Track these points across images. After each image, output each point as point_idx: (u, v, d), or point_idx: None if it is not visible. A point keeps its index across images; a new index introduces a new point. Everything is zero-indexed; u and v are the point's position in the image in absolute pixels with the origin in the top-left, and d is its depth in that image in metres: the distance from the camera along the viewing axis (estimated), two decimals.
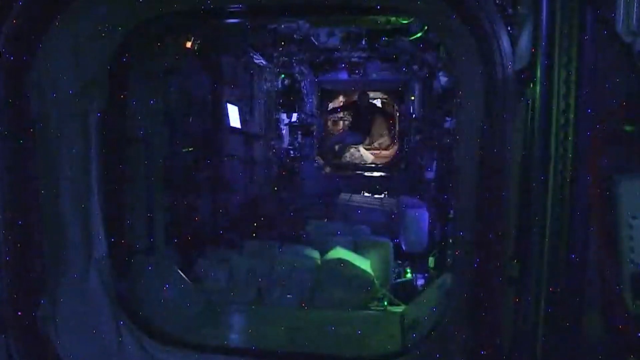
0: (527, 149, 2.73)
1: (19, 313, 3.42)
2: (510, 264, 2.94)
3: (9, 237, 3.29)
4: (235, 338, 4.98)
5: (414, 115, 11.21)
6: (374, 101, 16.73)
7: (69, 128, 3.78)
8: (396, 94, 14.32)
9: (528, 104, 2.67)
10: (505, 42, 2.91)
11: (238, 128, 9.13)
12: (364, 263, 6.15)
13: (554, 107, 2.48)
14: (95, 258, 4.04)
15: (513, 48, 2.87)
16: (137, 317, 4.35)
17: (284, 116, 11.96)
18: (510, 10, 2.87)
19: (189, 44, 6.45)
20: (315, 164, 12.99)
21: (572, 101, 2.46)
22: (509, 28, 2.88)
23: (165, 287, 5.15)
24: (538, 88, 2.55)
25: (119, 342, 4.10)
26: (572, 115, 2.47)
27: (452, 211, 5.96)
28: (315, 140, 13.08)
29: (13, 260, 3.31)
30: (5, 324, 3.32)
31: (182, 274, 5.55)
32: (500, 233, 3.08)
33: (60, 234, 3.82)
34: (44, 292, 3.63)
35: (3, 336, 3.32)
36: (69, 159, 3.79)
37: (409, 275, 6.85)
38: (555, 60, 2.45)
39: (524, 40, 2.74)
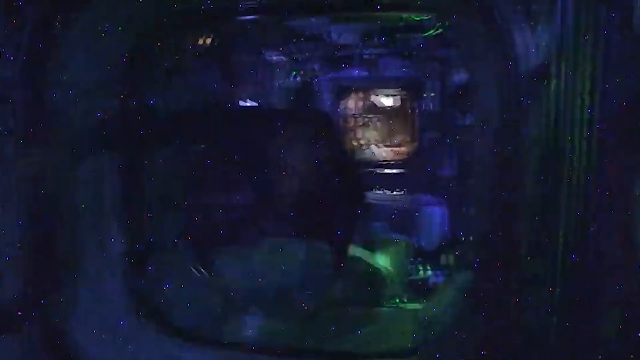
0: (545, 145, 2.70)
1: (37, 310, 3.44)
2: (526, 261, 2.91)
3: (28, 236, 3.31)
4: (251, 334, 4.98)
5: (430, 112, 11.12)
6: (391, 98, 16.60)
7: (86, 124, 3.80)
8: (412, 91, 14.21)
9: (546, 100, 2.64)
10: (522, 38, 2.88)
11: None
12: (381, 260, 6.13)
13: (573, 103, 2.44)
14: (112, 255, 4.06)
15: (531, 44, 2.84)
16: (154, 313, 4.37)
17: None
18: (528, 6, 2.83)
19: (204, 41, 6.45)
20: None
21: (590, 97, 2.43)
22: (526, 24, 2.85)
23: (182, 284, 5.16)
24: (556, 84, 2.52)
25: (136, 337, 4.13)
26: (591, 112, 2.43)
27: (469, 208, 5.92)
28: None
29: (31, 258, 3.33)
30: (23, 320, 3.35)
31: (199, 270, 5.56)
32: (517, 230, 3.05)
33: (78, 231, 3.84)
34: (62, 290, 3.65)
35: (21, 332, 3.34)
36: (87, 155, 3.81)
37: (425, 272, 6.81)
38: (574, 56, 2.42)
39: (543, 36, 2.71)
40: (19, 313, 3.28)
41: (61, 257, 3.66)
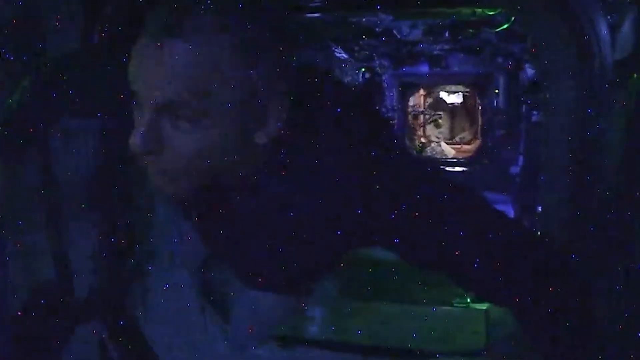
0: (628, 147, 2.57)
1: (111, 301, 3.56)
2: (599, 259, 2.79)
3: (101, 228, 3.42)
4: (316, 331, 4.99)
5: (500, 109, 10.93)
6: (459, 94, 16.39)
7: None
8: (479, 87, 13.98)
9: (630, 96, 2.51)
10: (603, 29, 2.75)
11: None
12: None
13: None
14: (183, 249, 4.15)
15: (613, 36, 2.71)
16: (222, 307, 4.44)
17: None
18: None
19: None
20: None
21: None
22: (608, 16, 2.72)
23: None
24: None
25: (205, 330, 4.21)
26: None
27: (539, 208, 5.77)
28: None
29: (106, 250, 3.44)
30: (98, 311, 3.47)
31: None
32: (593, 233, 2.94)
33: (149, 223, 3.94)
34: (134, 281, 3.76)
35: (97, 322, 3.46)
36: None
37: None
38: None
39: (627, 27, 2.58)
40: (97, 303, 3.41)
41: (136, 250, 3.77)
